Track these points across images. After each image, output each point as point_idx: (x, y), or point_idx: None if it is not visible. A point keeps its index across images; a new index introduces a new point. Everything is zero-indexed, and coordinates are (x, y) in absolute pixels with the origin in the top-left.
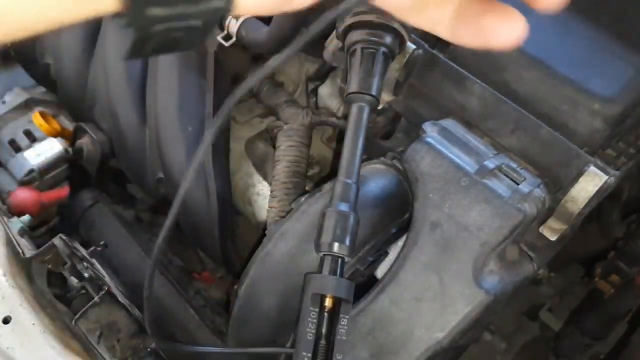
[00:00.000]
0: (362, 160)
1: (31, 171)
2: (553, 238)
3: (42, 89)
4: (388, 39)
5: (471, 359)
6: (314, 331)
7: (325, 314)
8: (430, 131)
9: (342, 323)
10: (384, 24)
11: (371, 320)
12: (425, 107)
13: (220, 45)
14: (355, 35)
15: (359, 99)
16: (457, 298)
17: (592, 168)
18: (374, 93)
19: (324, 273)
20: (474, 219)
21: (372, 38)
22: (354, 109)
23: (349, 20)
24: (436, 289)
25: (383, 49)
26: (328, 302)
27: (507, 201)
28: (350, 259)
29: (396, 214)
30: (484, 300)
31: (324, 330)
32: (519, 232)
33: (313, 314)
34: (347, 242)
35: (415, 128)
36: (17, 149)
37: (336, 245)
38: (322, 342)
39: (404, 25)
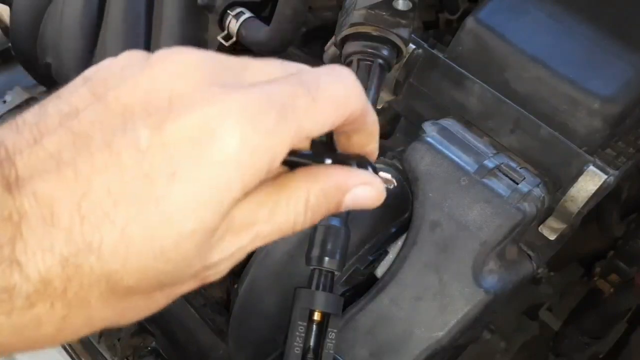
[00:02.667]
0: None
1: None
2: (552, 237)
3: (42, 89)
4: (385, 51)
5: (471, 358)
6: (301, 345)
7: (314, 328)
8: (430, 131)
9: (330, 337)
10: (381, 36)
11: (371, 320)
12: (425, 106)
13: (221, 45)
14: (352, 47)
15: None
16: (457, 297)
17: (592, 167)
18: None
19: (313, 287)
20: (473, 219)
21: (369, 50)
22: None
23: (346, 31)
24: (436, 288)
25: (379, 60)
26: (317, 317)
27: (507, 200)
28: (339, 273)
29: (396, 214)
30: (483, 300)
31: (312, 344)
32: (519, 232)
33: (301, 328)
34: (338, 256)
35: (414, 128)
36: None
37: (326, 259)
38: (310, 355)
39: (401, 36)
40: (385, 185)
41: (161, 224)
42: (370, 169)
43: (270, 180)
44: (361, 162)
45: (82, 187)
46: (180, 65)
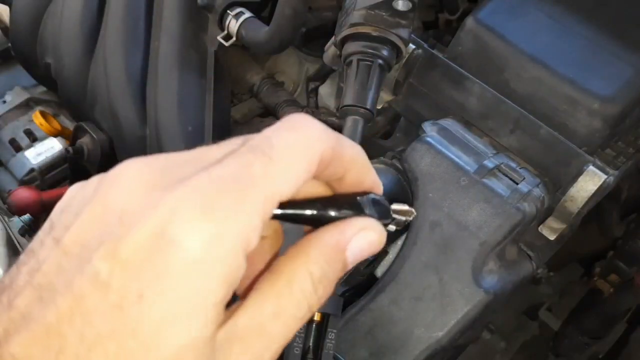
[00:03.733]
0: None
1: (32, 170)
2: (552, 237)
3: (42, 89)
4: (384, 52)
5: (470, 358)
6: (301, 345)
7: (313, 328)
8: (430, 131)
9: (330, 337)
10: (381, 37)
11: (371, 320)
12: (424, 106)
13: (220, 45)
14: (352, 47)
15: (353, 112)
16: (457, 297)
17: (591, 168)
18: (368, 106)
19: None
20: (473, 219)
21: (369, 50)
22: (348, 122)
23: (346, 32)
24: (436, 288)
25: (379, 61)
26: (316, 317)
27: (507, 200)
28: None
29: None
30: (483, 300)
31: (311, 345)
32: (519, 232)
33: (301, 329)
34: None
35: (414, 127)
36: (18, 148)
37: None
38: (310, 356)
39: (400, 37)
40: (400, 219)
41: (145, 352)
42: (375, 208)
43: (264, 270)
44: (361, 201)
45: (55, 341)
46: (125, 181)
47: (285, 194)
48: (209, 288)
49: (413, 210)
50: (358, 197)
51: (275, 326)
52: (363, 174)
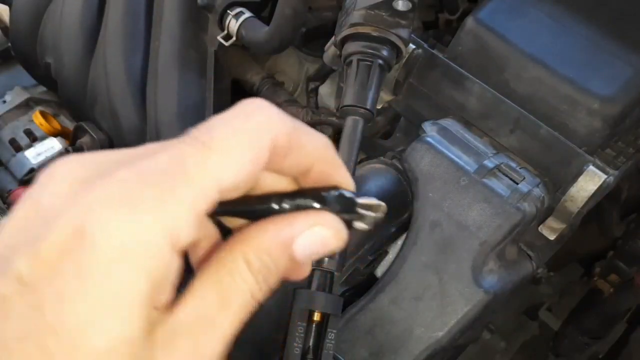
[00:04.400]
0: (362, 160)
1: (32, 170)
2: (552, 237)
3: (42, 89)
4: (384, 52)
5: (470, 358)
6: (301, 346)
7: (313, 328)
8: (430, 131)
9: (330, 337)
10: (381, 37)
11: (371, 319)
12: (424, 106)
13: (220, 45)
14: (352, 47)
15: (353, 112)
16: (457, 297)
17: (591, 167)
18: (368, 107)
19: (312, 288)
20: (473, 219)
21: (369, 50)
22: (349, 122)
23: (346, 32)
24: (435, 288)
25: (379, 61)
26: (316, 317)
27: (507, 200)
28: (339, 274)
29: (396, 214)
30: (483, 300)
31: (311, 345)
32: (519, 232)
33: (300, 329)
34: (337, 257)
35: (414, 127)
36: (18, 148)
37: (326, 260)
38: (310, 356)
39: (400, 37)
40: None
41: (67, 354)
42: (339, 203)
43: (206, 262)
44: (327, 195)
45: None
46: (54, 179)
47: (226, 185)
48: (132, 285)
49: (382, 204)
50: (323, 192)
51: (222, 316)
52: (330, 167)
